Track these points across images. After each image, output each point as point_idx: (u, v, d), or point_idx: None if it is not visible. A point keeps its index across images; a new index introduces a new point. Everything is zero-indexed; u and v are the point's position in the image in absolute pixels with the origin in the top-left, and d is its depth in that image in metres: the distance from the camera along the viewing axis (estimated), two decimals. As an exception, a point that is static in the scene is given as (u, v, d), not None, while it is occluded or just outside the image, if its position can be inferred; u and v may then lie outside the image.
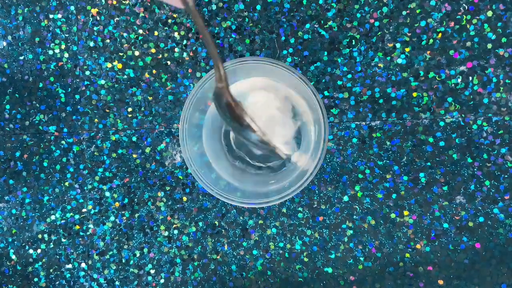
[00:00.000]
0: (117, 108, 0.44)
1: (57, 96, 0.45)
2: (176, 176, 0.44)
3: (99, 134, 0.44)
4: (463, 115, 0.41)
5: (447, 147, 0.41)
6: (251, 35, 0.43)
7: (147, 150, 0.44)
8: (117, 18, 0.44)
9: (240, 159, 0.41)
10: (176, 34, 0.43)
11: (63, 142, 0.45)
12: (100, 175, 0.44)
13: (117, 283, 0.44)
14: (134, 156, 0.44)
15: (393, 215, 0.42)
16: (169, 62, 0.43)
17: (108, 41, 0.44)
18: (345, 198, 0.42)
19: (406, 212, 0.41)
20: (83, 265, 0.45)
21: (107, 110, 0.44)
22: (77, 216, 0.45)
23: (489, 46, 0.41)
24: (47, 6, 0.45)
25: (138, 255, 0.44)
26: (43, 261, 0.45)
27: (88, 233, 0.45)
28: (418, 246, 0.41)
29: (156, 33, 0.43)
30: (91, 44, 0.44)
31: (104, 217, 0.44)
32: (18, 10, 0.45)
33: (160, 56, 0.43)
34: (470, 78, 0.41)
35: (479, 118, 0.41)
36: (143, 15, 0.44)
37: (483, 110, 0.41)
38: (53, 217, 0.45)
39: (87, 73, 0.44)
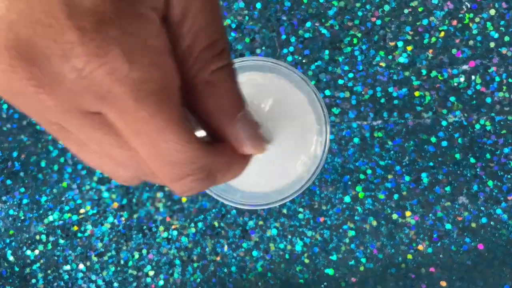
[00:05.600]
0: (115, 107, 0.44)
1: (55, 96, 0.44)
2: (175, 176, 0.43)
3: (98, 134, 0.44)
4: (465, 115, 0.41)
5: (450, 147, 0.41)
6: (251, 33, 0.42)
7: (146, 150, 0.43)
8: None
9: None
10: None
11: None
12: (98, 175, 0.44)
13: (115, 284, 0.44)
14: (133, 156, 0.44)
15: (395, 216, 0.41)
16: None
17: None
18: (346, 199, 0.42)
19: (408, 213, 0.41)
20: (81, 266, 0.44)
21: (106, 110, 0.44)
22: (75, 217, 0.44)
23: (492, 45, 0.40)
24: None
25: (137, 256, 0.44)
26: (41, 262, 0.45)
27: (86, 234, 0.44)
28: (420, 247, 0.41)
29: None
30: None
31: (102, 218, 0.44)
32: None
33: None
34: (473, 77, 0.40)
35: (482, 118, 0.40)
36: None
37: (486, 109, 0.40)
38: (51, 218, 0.45)
39: (85, 72, 0.44)
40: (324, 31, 0.41)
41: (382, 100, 0.41)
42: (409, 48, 0.41)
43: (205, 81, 0.15)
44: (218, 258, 0.43)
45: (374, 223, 0.41)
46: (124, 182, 0.16)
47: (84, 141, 0.14)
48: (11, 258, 0.45)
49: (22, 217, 0.45)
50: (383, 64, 0.41)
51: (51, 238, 0.45)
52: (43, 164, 0.45)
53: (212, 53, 0.15)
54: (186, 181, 0.15)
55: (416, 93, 0.41)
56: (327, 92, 0.42)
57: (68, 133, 0.14)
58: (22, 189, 0.45)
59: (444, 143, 0.41)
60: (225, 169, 0.16)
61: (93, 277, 0.44)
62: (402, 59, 0.41)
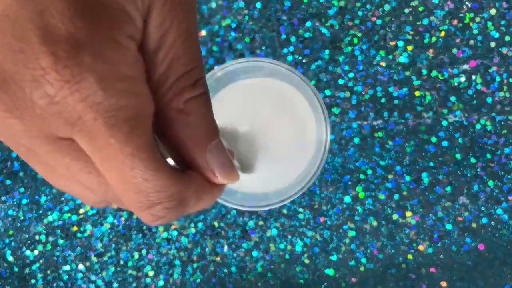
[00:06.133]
0: (115, 107, 0.44)
1: (54, 96, 0.44)
2: (175, 176, 0.43)
3: (97, 134, 0.44)
4: (466, 115, 0.40)
5: (450, 147, 0.40)
6: (251, 33, 0.42)
7: (146, 150, 0.43)
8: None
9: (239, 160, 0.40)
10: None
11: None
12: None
13: (115, 284, 0.44)
14: (133, 156, 0.43)
15: (395, 216, 0.41)
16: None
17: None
18: (347, 199, 0.41)
19: (408, 213, 0.41)
20: (81, 266, 0.44)
21: (105, 110, 0.44)
22: (74, 217, 0.44)
23: (493, 44, 0.40)
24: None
25: (136, 256, 0.44)
26: (40, 263, 0.45)
27: (86, 234, 0.44)
28: (420, 247, 0.41)
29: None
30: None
31: (102, 218, 0.44)
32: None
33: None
34: (473, 77, 0.40)
35: (483, 118, 0.40)
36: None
37: (486, 109, 0.40)
38: (50, 218, 0.45)
39: (85, 72, 0.44)
40: (324, 30, 0.41)
41: (383, 100, 0.41)
42: (410, 47, 0.41)
43: (179, 109, 0.15)
44: (218, 259, 0.43)
45: (375, 223, 0.41)
46: (92, 205, 0.16)
47: (52, 165, 0.14)
48: (10, 258, 0.45)
49: (22, 217, 0.45)
50: (383, 64, 0.41)
51: (50, 238, 0.45)
52: (42, 164, 0.45)
53: (186, 83, 0.15)
54: (154, 210, 0.15)
55: (417, 93, 0.41)
56: (327, 92, 0.41)
57: (35, 155, 0.14)
58: (22, 189, 0.45)
59: (445, 143, 0.41)
60: (196, 198, 0.16)
61: (93, 278, 0.44)
62: (403, 59, 0.41)
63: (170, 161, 0.17)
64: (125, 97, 0.13)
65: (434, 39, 0.41)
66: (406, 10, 0.41)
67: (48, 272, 0.45)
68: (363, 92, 0.41)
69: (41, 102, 0.12)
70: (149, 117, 0.14)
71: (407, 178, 0.41)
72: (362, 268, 0.41)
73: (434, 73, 0.41)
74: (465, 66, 0.40)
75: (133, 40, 0.13)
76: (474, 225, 0.41)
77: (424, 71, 0.41)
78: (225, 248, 0.43)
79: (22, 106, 0.12)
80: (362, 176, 0.41)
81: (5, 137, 0.14)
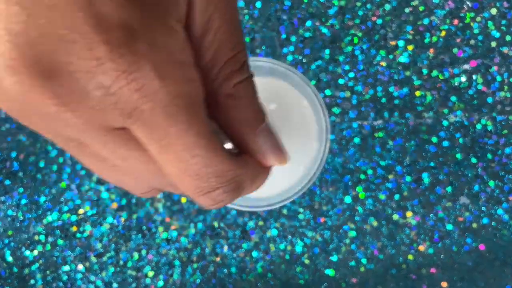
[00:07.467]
0: (114, 107, 0.43)
1: (53, 95, 0.44)
2: (175, 176, 0.43)
3: (97, 134, 0.44)
4: (466, 115, 0.40)
5: (451, 147, 0.40)
6: (251, 33, 0.42)
7: (145, 150, 0.43)
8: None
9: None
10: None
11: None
12: (97, 175, 0.44)
13: (115, 285, 0.44)
14: (132, 156, 0.43)
15: (395, 216, 0.41)
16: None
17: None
18: (347, 199, 0.41)
19: (409, 213, 0.41)
20: (80, 267, 0.44)
21: (105, 110, 0.44)
22: (74, 218, 0.44)
23: (493, 44, 0.40)
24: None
25: (136, 257, 0.43)
26: (40, 263, 0.45)
27: (85, 234, 0.44)
28: (421, 247, 0.41)
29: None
30: (88, 42, 0.44)
31: (101, 219, 0.44)
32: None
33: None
34: (474, 77, 0.40)
35: (483, 118, 0.40)
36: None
37: (487, 109, 0.40)
38: (49, 218, 0.44)
39: (84, 72, 0.44)
40: (324, 30, 0.41)
41: (383, 100, 0.41)
42: (410, 47, 0.41)
43: (228, 94, 0.15)
44: (218, 259, 0.43)
45: (375, 223, 0.41)
46: (142, 195, 0.16)
47: (105, 156, 0.14)
48: (10, 258, 0.45)
49: (21, 218, 0.45)
50: (383, 64, 0.41)
51: (50, 239, 0.45)
52: (42, 164, 0.45)
53: (234, 67, 0.15)
54: (214, 195, 0.15)
55: (417, 93, 0.41)
56: (328, 92, 0.41)
57: (85, 148, 0.14)
58: (21, 189, 0.45)
59: (445, 143, 0.40)
60: (251, 180, 0.16)
61: (92, 278, 0.44)
62: (403, 59, 0.41)
63: (228, 145, 0.17)
64: (181, 84, 0.12)
65: (434, 38, 0.40)
66: (407, 10, 0.41)
67: (48, 272, 0.45)
68: (363, 92, 0.41)
69: (97, 93, 0.11)
70: (203, 102, 0.14)
71: (408, 178, 0.41)
72: (362, 269, 0.41)
73: (434, 73, 0.40)
74: (466, 66, 0.40)
75: (181, 24, 0.13)
76: (474, 225, 0.40)
77: (425, 71, 0.41)
78: (225, 248, 0.43)
79: (76, 99, 0.11)
80: (362, 176, 0.41)
81: (54, 132, 0.13)
